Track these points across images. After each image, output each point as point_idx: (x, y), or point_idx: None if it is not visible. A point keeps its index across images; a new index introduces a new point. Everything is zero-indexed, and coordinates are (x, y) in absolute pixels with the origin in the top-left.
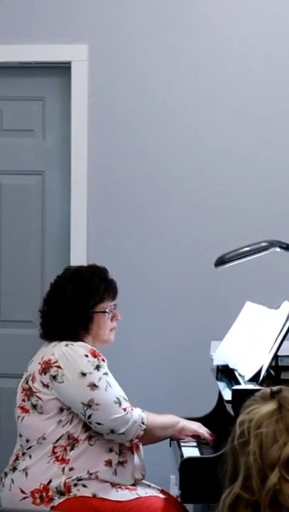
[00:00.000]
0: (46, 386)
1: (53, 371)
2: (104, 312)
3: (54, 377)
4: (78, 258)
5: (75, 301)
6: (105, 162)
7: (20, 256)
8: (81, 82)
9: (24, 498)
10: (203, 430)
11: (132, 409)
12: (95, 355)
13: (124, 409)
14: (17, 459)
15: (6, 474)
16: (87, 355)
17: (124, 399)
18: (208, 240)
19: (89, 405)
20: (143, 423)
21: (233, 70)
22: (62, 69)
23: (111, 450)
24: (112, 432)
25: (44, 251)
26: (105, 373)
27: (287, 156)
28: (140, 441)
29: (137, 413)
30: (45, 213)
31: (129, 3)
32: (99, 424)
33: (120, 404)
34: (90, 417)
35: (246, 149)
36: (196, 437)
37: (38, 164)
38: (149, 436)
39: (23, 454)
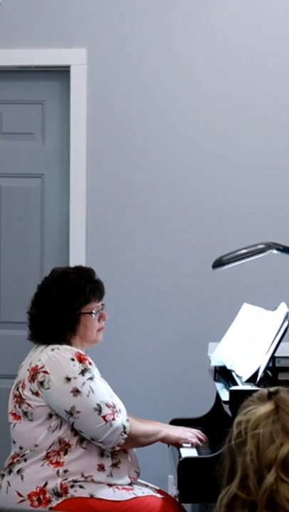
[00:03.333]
0: (36, 394)
1: (40, 377)
2: (91, 313)
3: (41, 384)
4: (77, 260)
5: (61, 303)
6: (104, 165)
7: (20, 258)
8: (80, 86)
9: (22, 501)
10: (186, 436)
11: (113, 418)
12: (80, 359)
13: (104, 417)
14: (12, 462)
15: (2, 476)
16: (73, 359)
17: (107, 405)
18: (206, 241)
19: (71, 413)
20: (125, 432)
21: (231, 75)
22: (62, 73)
23: (103, 454)
24: (93, 439)
25: (43, 253)
26: (90, 378)
27: (284, 159)
28: (123, 448)
29: (120, 421)
30: (44, 216)
31: (128, 8)
32: (80, 431)
33: (100, 411)
34: (73, 424)
35: (244, 153)
36: (180, 445)
37: (37, 167)
38: (133, 443)
39: (18, 459)
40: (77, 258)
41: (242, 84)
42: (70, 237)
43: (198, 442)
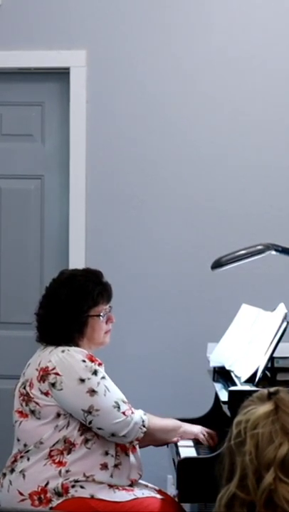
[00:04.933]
0: (45, 394)
1: (51, 378)
2: (99, 316)
3: (53, 385)
4: (76, 261)
5: (69, 306)
6: (103, 166)
7: (20, 259)
8: (80, 88)
9: (23, 500)
10: (203, 436)
11: (132, 412)
12: (91, 360)
13: (124, 413)
14: (15, 460)
15: (4, 475)
16: (84, 361)
17: (123, 401)
18: (205, 242)
19: (89, 412)
20: (144, 426)
21: (230, 77)
22: (61, 74)
23: (107, 453)
24: (113, 435)
25: (43, 254)
26: (103, 377)
27: (283, 161)
28: (141, 443)
29: (138, 415)
30: (44, 217)
31: (128, 10)
32: (100, 429)
33: (119, 408)
34: (90, 422)
35: (243, 155)
36: (197, 440)
37: (37, 168)
38: (150, 438)
39: (21, 456)
40: (76, 259)
41: (241, 85)
42: (70, 238)
43: (211, 444)
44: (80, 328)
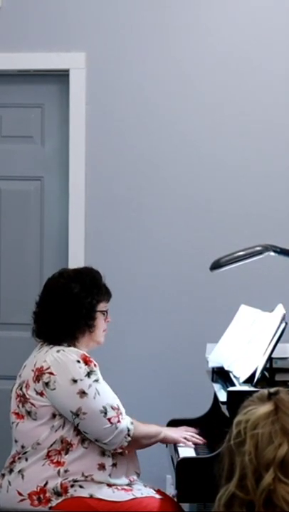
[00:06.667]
0: (40, 394)
1: (45, 378)
2: (103, 312)
3: (47, 384)
4: (76, 262)
5: (83, 299)
6: (103, 168)
7: (19, 260)
8: (79, 90)
9: (22, 500)
10: (184, 439)
11: (118, 421)
12: (86, 361)
13: (110, 420)
14: (13, 461)
15: (3, 476)
16: (78, 361)
17: (112, 408)
18: (204, 244)
19: (77, 414)
20: (129, 435)
21: (230, 79)
22: (61, 76)
23: (104, 453)
24: (97, 440)
25: (42, 255)
26: (96, 380)
27: (282, 162)
28: (124, 449)
29: (124, 424)
30: (43, 218)
31: (127, 12)
32: (85, 432)
33: (106, 414)
34: (78, 425)
35: (242, 157)
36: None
37: (36, 170)
38: (135, 445)
39: (19, 457)
40: (76, 260)
41: (241, 85)
42: (70, 240)
43: (197, 442)
44: (87, 322)
